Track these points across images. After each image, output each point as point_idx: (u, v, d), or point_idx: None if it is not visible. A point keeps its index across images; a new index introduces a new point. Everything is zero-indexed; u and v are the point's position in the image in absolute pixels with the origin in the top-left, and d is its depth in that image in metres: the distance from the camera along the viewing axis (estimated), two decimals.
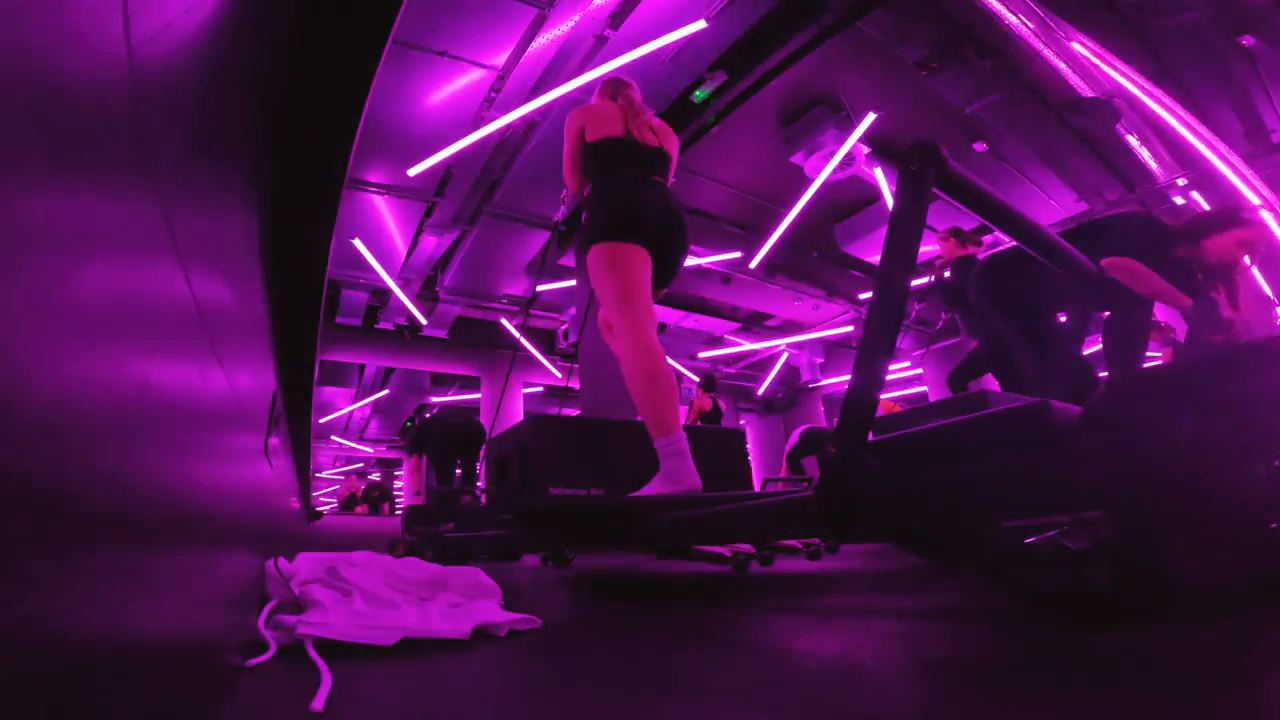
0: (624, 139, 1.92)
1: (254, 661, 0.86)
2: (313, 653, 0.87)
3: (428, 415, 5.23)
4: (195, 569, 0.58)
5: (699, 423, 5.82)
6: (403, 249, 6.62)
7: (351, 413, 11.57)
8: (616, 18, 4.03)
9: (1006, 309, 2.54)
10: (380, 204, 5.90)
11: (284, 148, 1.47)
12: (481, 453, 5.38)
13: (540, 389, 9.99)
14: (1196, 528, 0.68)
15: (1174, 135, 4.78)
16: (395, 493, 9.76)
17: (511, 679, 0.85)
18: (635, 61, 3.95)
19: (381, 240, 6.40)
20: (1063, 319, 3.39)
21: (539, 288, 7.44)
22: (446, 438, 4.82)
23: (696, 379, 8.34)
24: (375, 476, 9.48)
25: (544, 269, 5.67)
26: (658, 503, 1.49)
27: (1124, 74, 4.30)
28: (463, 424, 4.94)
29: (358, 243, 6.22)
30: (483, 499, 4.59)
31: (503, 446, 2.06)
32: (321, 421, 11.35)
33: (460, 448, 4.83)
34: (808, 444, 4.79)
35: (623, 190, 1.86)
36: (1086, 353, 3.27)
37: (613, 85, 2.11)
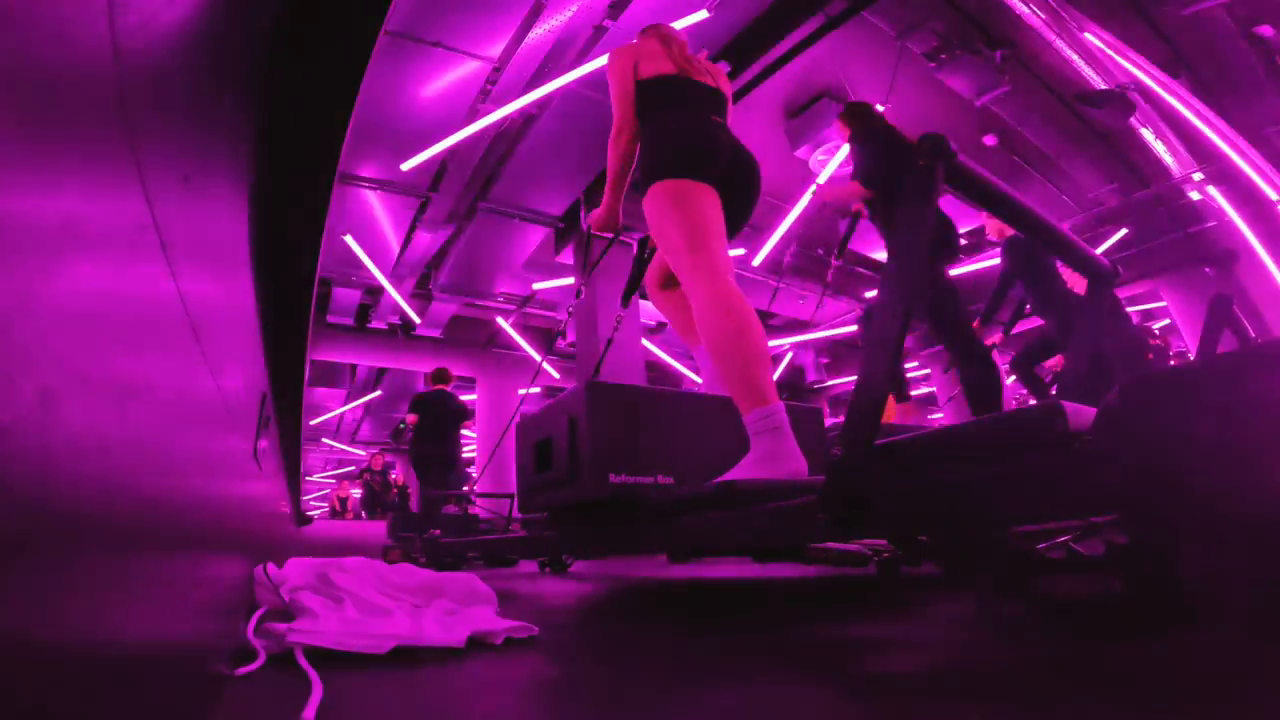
0: (678, 76, 1.72)
1: (242, 670, 0.84)
2: (303, 661, 0.85)
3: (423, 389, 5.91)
4: (181, 575, 0.57)
5: None
6: (396, 246, 6.56)
7: (343, 414, 11.49)
8: (616, 8, 3.99)
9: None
10: (373, 199, 5.85)
11: (274, 141, 1.44)
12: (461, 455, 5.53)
13: (538, 390, 9.95)
14: (1214, 533, 0.66)
15: (1190, 128, 4.75)
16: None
17: (508, 689, 0.83)
18: None
19: (374, 237, 6.35)
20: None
21: (536, 285, 7.39)
22: (437, 409, 5.32)
23: (699, 379, 8.25)
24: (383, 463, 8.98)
25: (540, 264, 5.66)
26: (757, 492, 1.17)
27: (1138, 65, 4.27)
28: (450, 398, 5.49)
29: (349, 239, 6.16)
30: (473, 504, 4.59)
31: (543, 427, 1.68)
32: (312, 423, 11.26)
33: (449, 415, 5.36)
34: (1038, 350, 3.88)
35: (686, 123, 1.64)
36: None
37: (654, 29, 1.91)
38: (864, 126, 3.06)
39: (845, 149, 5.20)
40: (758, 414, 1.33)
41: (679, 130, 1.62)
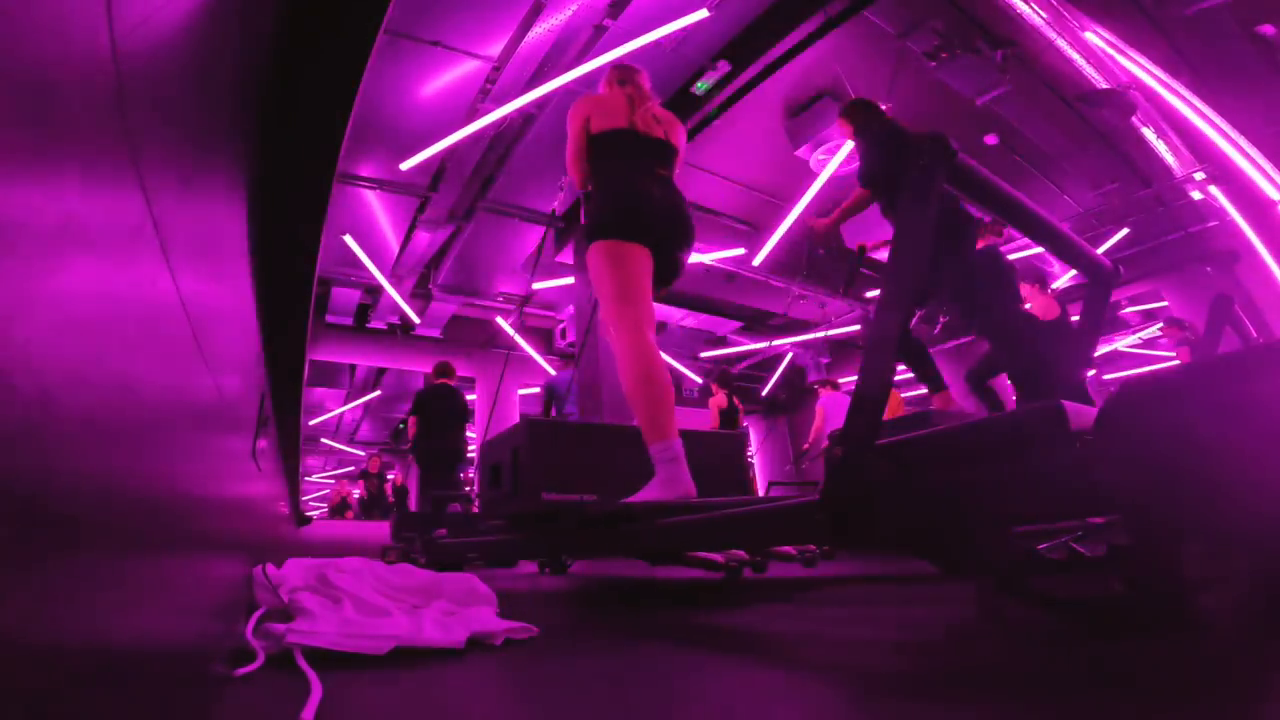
0: (627, 130, 1.87)
1: (241, 671, 0.84)
2: (302, 662, 0.84)
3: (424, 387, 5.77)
4: (180, 575, 0.57)
5: (718, 421, 5.77)
6: (395, 245, 6.55)
7: (342, 414, 11.47)
8: (616, 7, 3.99)
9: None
10: (372, 199, 5.84)
11: (273, 141, 1.44)
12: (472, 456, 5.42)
13: (537, 390, 9.94)
14: (1215, 534, 0.66)
15: (1191, 128, 4.73)
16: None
17: (507, 689, 0.82)
18: (635, 52, 3.89)
19: (373, 236, 6.34)
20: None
21: (535, 285, 7.38)
22: (442, 404, 5.19)
23: (699, 379, 8.24)
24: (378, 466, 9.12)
25: (538, 265, 5.64)
26: (651, 509, 1.46)
27: (1139, 65, 4.26)
28: (454, 394, 5.35)
29: (348, 239, 6.16)
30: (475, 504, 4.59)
31: (496, 452, 2.04)
32: (311, 423, 11.24)
33: (453, 411, 5.23)
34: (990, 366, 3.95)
35: (625, 186, 1.82)
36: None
37: (621, 72, 2.06)
38: (865, 124, 3.04)
39: (846, 148, 5.21)
40: (659, 446, 1.61)
41: (617, 194, 1.82)
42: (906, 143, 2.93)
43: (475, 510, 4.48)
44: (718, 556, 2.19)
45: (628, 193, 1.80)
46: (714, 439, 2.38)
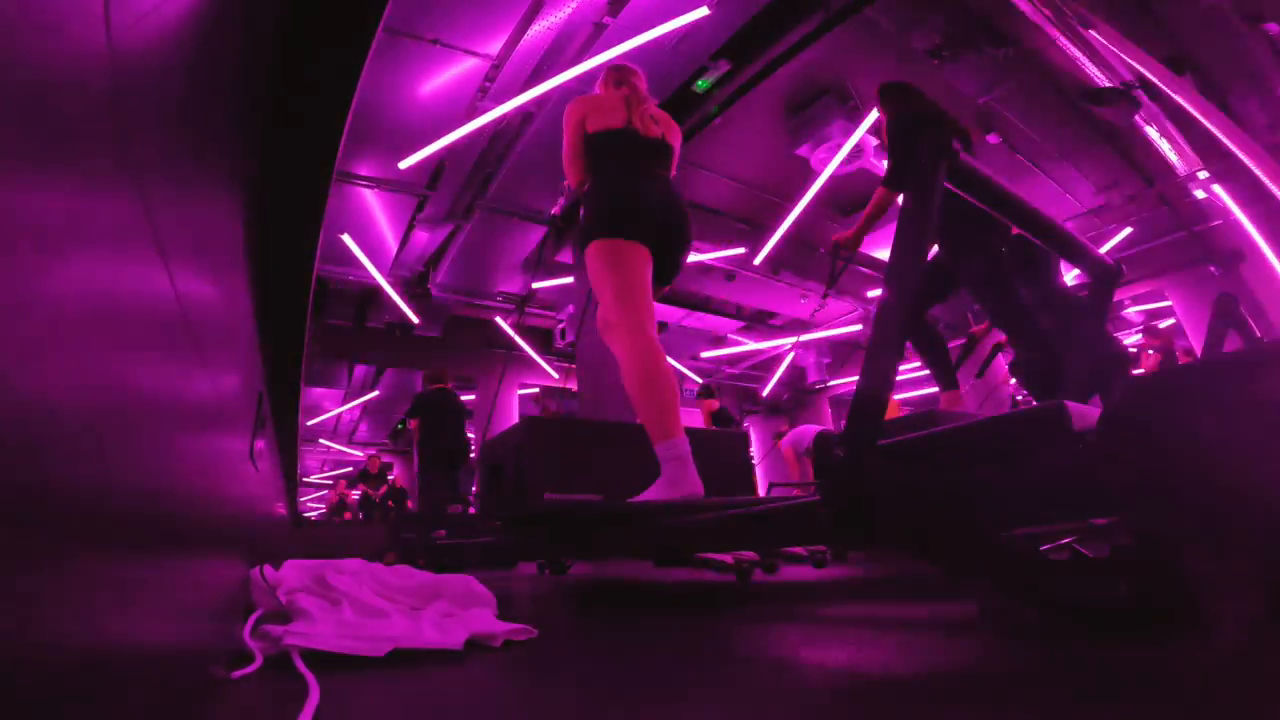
0: (625, 130, 1.87)
1: (239, 673, 0.84)
2: (300, 664, 0.84)
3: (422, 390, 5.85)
4: (177, 577, 0.57)
5: (710, 423, 5.84)
6: (394, 245, 6.55)
7: (340, 415, 11.46)
8: (615, 4, 3.98)
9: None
10: (370, 198, 5.83)
11: (271, 139, 1.43)
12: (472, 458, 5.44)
13: (536, 389, 9.94)
14: (1220, 535, 0.66)
15: (1195, 126, 4.73)
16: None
17: (507, 691, 0.82)
18: (635, 50, 3.88)
19: (371, 236, 6.33)
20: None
21: (535, 285, 7.38)
22: (441, 407, 5.24)
23: (699, 380, 8.29)
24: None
25: (540, 264, 5.64)
26: (657, 509, 1.46)
27: (1143, 63, 4.25)
28: (451, 396, 5.41)
29: (347, 238, 6.15)
30: (473, 506, 4.60)
31: (496, 451, 2.02)
32: (309, 424, 11.22)
33: (453, 413, 5.28)
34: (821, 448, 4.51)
35: (623, 184, 1.82)
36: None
37: (617, 73, 2.07)
38: (898, 110, 2.69)
39: (847, 146, 5.19)
40: (665, 445, 1.59)
41: (614, 193, 1.81)
42: (938, 135, 2.65)
43: (475, 511, 4.48)
44: (726, 557, 2.17)
45: (626, 192, 1.80)
46: (714, 438, 2.39)
